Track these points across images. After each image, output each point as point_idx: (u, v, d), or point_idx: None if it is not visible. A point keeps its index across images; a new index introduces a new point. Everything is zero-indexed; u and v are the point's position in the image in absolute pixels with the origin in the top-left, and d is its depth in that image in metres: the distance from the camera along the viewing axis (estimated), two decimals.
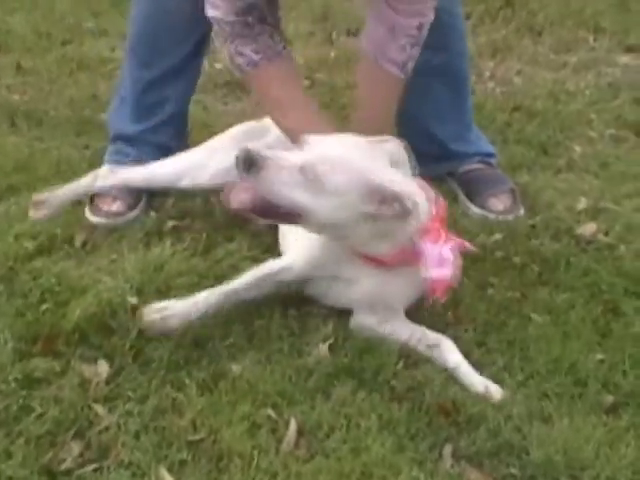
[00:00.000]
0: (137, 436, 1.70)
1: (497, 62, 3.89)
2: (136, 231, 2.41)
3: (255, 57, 2.21)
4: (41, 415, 1.73)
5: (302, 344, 1.98)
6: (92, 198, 2.51)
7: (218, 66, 3.67)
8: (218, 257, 2.29)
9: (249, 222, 2.46)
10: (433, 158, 2.55)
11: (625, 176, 2.82)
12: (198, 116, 3.05)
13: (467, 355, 1.94)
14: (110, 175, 2.51)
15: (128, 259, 2.25)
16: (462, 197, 2.66)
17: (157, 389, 1.82)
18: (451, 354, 1.93)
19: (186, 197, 2.56)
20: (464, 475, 1.66)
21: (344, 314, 2.08)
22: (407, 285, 2.01)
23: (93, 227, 2.43)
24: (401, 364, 1.93)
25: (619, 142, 3.10)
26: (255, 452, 1.66)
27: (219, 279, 2.18)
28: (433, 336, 1.98)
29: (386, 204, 1.86)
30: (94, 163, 2.69)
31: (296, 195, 1.86)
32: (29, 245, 2.28)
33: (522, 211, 2.59)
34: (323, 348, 1.96)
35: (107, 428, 1.72)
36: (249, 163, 1.85)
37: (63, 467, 1.63)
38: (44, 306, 2.03)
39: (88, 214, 2.48)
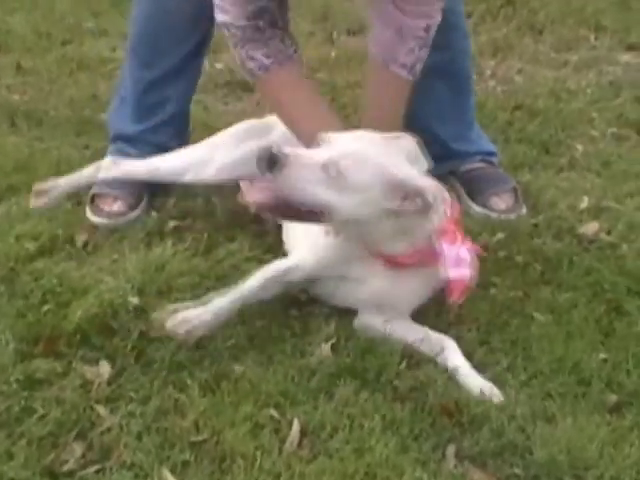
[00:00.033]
0: (139, 437, 1.69)
1: (498, 61, 3.88)
2: (137, 231, 2.40)
3: (266, 61, 2.20)
4: (43, 416, 1.73)
5: (304, 344, 1.98)
6: (93, 198, 2.51)
7: (219, 66, 3.66)
8: (220, 257, 2.29)
9: (250, 222, 2.46)
10: (434, 157, 2.52)
11: (627, 175, 2.81)
12: (199, 116, 3.04)
13: (470, 355, 1.94)
14: (113, 167, 2.50)
15: (129, 259, 2.24)
16: (464, 196, 2.66)
17: (159, 390, 1.81)
18: (452, 355, 1.93)
19: (187, 197, 2.56)
20: (467, 475, 1.65)
21: (346, 314, 2.07)
22: (416, 287, 2.02)
23: (94, 227, 2.43)
24: (404, 364, 1.92)
25: (621, 141, 3.08)
26: (258, 453, 1.66)
27: (220, 279, 2.19)
28: (436, 337, 1.97)
29: (408, 199, 1.87)
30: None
31: (319, 192, 1.85)
32: (30, 246, 2.27)
33: (524, 210, 2.58)
34: (325, 348, 1.96)
35: (109, 429, 1.71)
36: (271, 161, 1.83)
37: (65, 468, 1.63)
38: (45, 307, 2.03)
39: (89, 214, 2.48)
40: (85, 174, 2.52)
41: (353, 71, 3.65)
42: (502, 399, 1.82)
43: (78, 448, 1.67)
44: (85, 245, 2.33)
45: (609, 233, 2.46)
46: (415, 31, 2.20)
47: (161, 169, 2.45)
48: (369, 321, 2.03)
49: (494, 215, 2.55)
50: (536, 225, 2.51)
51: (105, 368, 1.87)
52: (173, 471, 1.62)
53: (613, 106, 3.34)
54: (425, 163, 1.99)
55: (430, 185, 1.89)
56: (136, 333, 1.95)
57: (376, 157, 1.89)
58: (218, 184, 2.43)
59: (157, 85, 2.62)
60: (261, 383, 1.83)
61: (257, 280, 1.97)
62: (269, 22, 2.19)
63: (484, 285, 2.18)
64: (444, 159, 2.68)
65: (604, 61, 3.87)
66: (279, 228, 2.30)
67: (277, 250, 2.31)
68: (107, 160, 2.54)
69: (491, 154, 2.75)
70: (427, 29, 2.21)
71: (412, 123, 2.46)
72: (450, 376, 1.89)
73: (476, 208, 2.60)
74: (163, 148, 2.57)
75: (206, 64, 3.01)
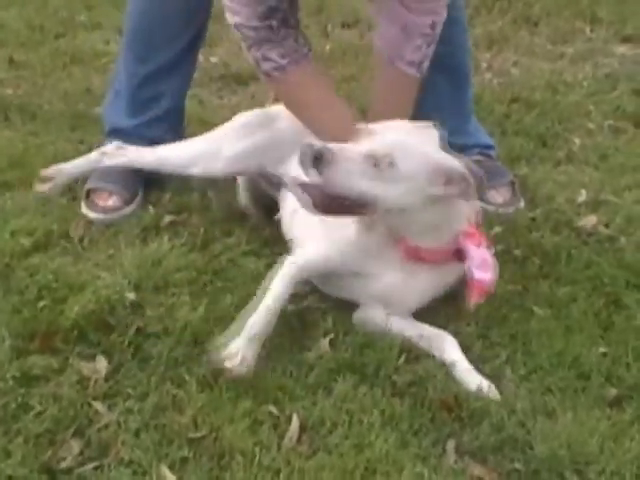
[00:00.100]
0: (137, 434, 1.68)
1: (494, 53, 3.87)
2: (133, 226, 2.39)
3: (282, 61, 2.18)
4: (40, 413, 1.71)
5: (302, 339, 1.97)
6: (88, 193, 2.49)
7: (213, 60, 3.65)
8: (216, 252, 2.27)
9: (247, 216, 2.45)
10: None
11: (625, 168, 2.80)
12: (193, 110, 3.03)
13: (469, 349, 1.93)
14: (118, 153, 2.48)
15: (125, 255, 2.23)
16: None
17: (157, 386, 1.80)
18: (450, 350, 1.92)
19: (183, 191, 2.55)
20: (468, 470, 1.65)
21: (344, 309, 2.07)
22: (426, 287, 2.02)
23: (89, 223, 2.41)
24: (402, 359, 1.91)
25: (618, 133, 3.08)
26: (257, 449, 1.65)
27: (217, 274, 2.18)
28: (435, 332, 1.97)
29: (452, 184, 1.89)
30: None
31: (367, 185, 1.86)
32: (25, 241, 2.26)
33: (522, 204, 2.58)
34: (324, 343, 1.95)
35: (107, 426, 1.70)
36: (316, 158, 1.83)
37: (63, 465, 1.61)
38: (41, 303, 2.01)
39: (84, 209, 2.46)
40: (91, 159, 2.50)
41: (348, 64, 3.64)
42: (499, 398, 1.81)
43: (76, 445, 1.65)
44: (81, 240, 2.32)
45: (607, 226, 2.46)
46: (421, 28, 2.19)
47: (169, 160, 2.43)
48: (369, 315, 2.02)
49: (492, 209, 2.54)
50: (534, 219, 2.50)
51: (102, 364, 1.85)
52: (172, 468, 1.61)
53: (610, 98, 3.34)
54: (451, 151, 2.01)
55: (470, 169, 1.92)
56: (133, 329, 1.94)
57: (419, 146, 1.92)
58: (225, 177, 2.42)
59: (152, 80, 2.61)
60: (259, 379, 1.82)
61: (281, 284, 1.92)
62: (281, 21, 2.16)
63: None
64: None
65: (600, 53, 3.87)
66: (269, 223, 2.30)
67: (274, 244, 2.30)
68: (112, 146, 2.51)
69: (489, 147, 2.74)
70: (433, 26, 2.20)
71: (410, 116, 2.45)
72: (449, 370, 1.88)
73: None
74: (158, 143, 2.55)
75: (200, 58, 2.99)
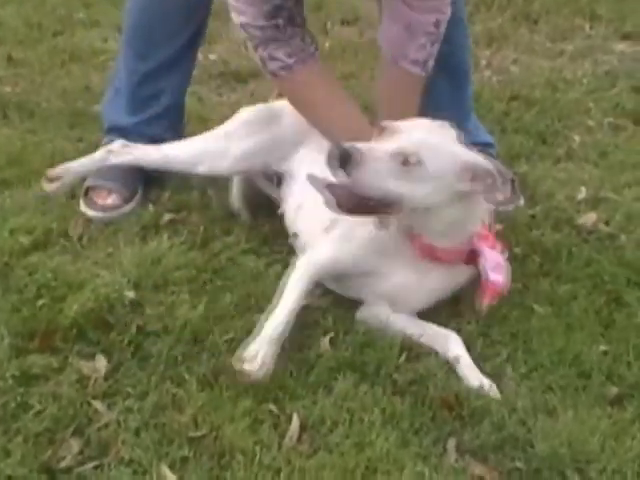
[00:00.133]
0: (137, 433, 1.67)
1: (493, 51, 3.86)
2: (132, 224, 2.38)
3: (289, 61, 2.17)
4: (39, 412, 1.71)
5: (302, 338, 1.96)
6: (87, 191, 2.48)
7: (212, 57, 3.64)
8: (216, 250, 2.27)
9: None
10: None
11: (624, 165, 2.80)
12: (193, 107, 3.02)
13: (470, 347, 1.93)
14: (124, 152, 2.45)
15: (125, 253, 2.23)
16: None
17: (157, 385, 1.79)
18: (453, 347, 1.92)
19: (182, 190, 2.54)
20: (469, 469, 1.64)
21: (344, 307, 2.06)
22: (435, 286, 2.02)
23: (89, 221, 2.40)
24: (403, 357, 1.91)
25: (618, 131, 3.08)
26: (257, 448, 1.64)
27: (217, 272, 2.18)
28: (439, 330, 1.97)
29: (477, 180, 1.89)
30: None
31: (394, 184, 1.84)
32: (24, 240, 2.25)
33: (522, 201, 2.57)
34: (324, 342, 1.94)
35: (107, 425, 1.70)
36: (343, 159, 1.82)
37: (63, 465, 1.61)
38: (40, 301, 2.01)
39: (83, 208, 2.45)
40: (97, 157, 2.47)
41: (347, 62, 3.63)
42: (500, 396, 1.81)
43: (75, 444, 1.65)
44: (80, 239, 2.31)
45: (607, 224, 2.46)
46: (425, 27, 2.18)
47: (176, 158, 2.41)
48: (373, 313, 2.02)
49: (491, 206, 2.53)
50: (534, 216, 2.50)
51: (102, 363, 1.85)
52: (172, 467, 1.61)
53: (609, 96, 3.34)
54: (472, 148, 2.01)
55: (494, 165, 1.93)
56: (133, 327, 1.94)
57: (445, 143, 1.92)
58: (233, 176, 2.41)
59: (152, 77, 2.60)
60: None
61: (296, 286, 1.91)
62: (288, 20, 2.14)
63: None
64: None
65: (600, 50, 3.87)
66: (274, 220, 2.28)
67: (273, 242, 2.30)
68: (117, 144, 2.48)
69: (488, 145, 2.73)
70: (437, 24, 2.19)
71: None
72: (450, 369, 1.88)
73: None
74: (158, 140, 2.54)
75: (200, 55, 2.98)
